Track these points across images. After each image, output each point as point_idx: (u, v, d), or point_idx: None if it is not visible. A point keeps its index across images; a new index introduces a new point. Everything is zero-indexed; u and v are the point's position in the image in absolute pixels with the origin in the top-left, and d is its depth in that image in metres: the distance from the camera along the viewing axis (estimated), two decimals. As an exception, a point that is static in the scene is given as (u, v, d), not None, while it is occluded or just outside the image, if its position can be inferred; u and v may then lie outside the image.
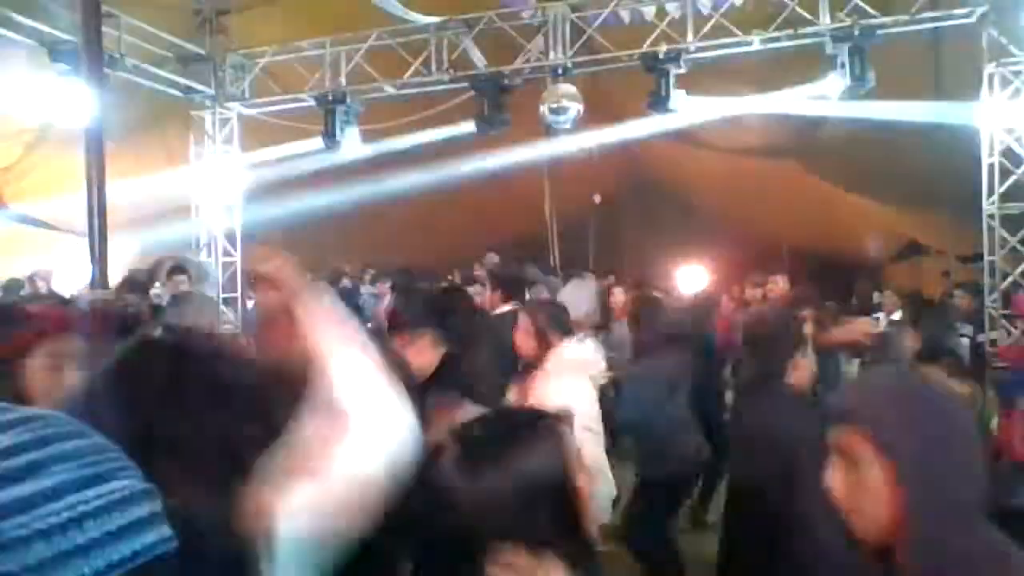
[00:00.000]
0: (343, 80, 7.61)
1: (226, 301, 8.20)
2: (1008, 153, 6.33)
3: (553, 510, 1.24)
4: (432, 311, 2.59)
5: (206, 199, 8.34)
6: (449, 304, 2.76)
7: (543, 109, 6.92)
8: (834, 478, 1.22)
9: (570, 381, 3.12)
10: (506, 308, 4.44)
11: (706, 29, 6.68)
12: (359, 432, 1.08)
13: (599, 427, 3.23)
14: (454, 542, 1.24)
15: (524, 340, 3.23)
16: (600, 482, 3.09)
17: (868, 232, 11.93)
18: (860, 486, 1.18)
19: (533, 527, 1.21)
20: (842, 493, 1.20)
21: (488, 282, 4.98)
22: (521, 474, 1.23)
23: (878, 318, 8.05)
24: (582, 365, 3.24)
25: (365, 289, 8.98)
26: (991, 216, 6.40)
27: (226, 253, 8.40)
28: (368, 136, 7.79)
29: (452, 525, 1.23)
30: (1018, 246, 6.36)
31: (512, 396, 3.08)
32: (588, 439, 3.07)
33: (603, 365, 3.41)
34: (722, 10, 6.67)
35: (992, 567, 1.13)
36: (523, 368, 3.27)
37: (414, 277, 7.90)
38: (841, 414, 1.24)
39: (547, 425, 1.34)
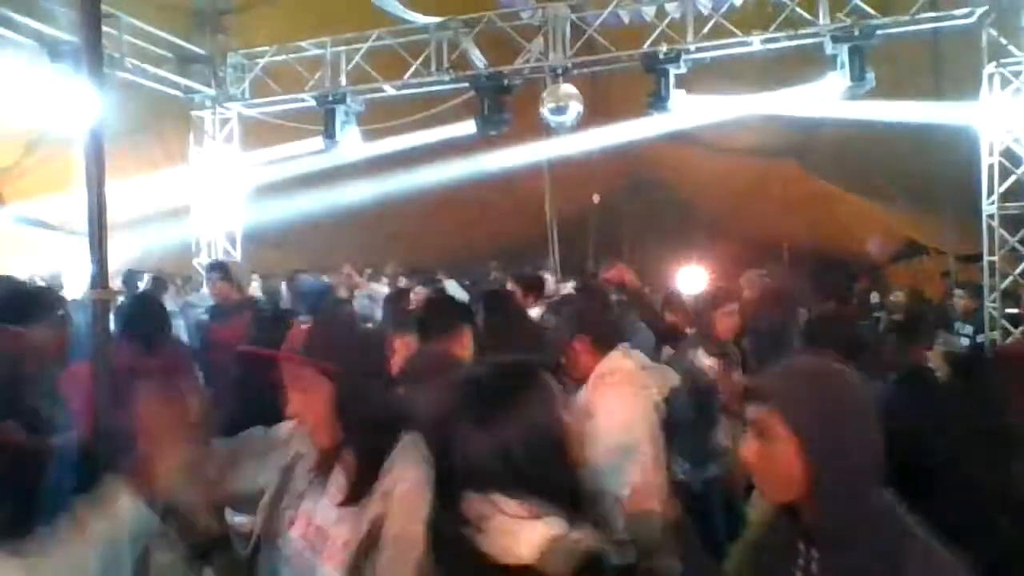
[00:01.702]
0: (343, 80, 7.61)
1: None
2: (1008, 153, 6.33)
3: (546, 460, 1.29)
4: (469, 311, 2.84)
5: (206, 199, 8.33)
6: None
7: (543, 109, 6.92)
8: (748, 449, 1.40)
9: (629, 393, 2.71)
10: (534, 310, 4.49)
11: (706, 29, 6.68)
12: None
13: (652, 448, 2.72)
14: (457, 486, 1.30)
15: (583, 357, 2.81)
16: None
17: (868, 232, 11.93)
18: (771, 457, 1.36)
19: (527, 477, 1.27)
20: (754, 462, 1.39)
21: (516, 285, 4.97)
22: (514, 423, 1.30)
23: (879, 318, 8.07)
24: (640, 377, 2.80)
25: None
26: (991, 216, 6.40)
27: (226, 253, 8.40)
28: (368, 136, 7.79)
29: (455, 470, 1.31)
30: (1018, 246, 6.36)
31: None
32: (643, 462, 2.65)
33: (672, 378, 2.93)
34: (722, 10, 6.67)
35: (883, 526, 1.33)
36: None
37: (421, 275, 7.90)
38: (759, 394, 1.40)
39: (534, 375, 1.39)
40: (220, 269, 5.46)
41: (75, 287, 7.35)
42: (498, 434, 1.29)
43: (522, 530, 1.24)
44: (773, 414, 1.36)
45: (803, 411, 1.35)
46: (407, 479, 1.53)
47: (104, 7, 4.21)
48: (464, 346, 2.70)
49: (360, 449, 1.59)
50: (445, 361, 2.59)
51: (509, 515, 1.24)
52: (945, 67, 7.12)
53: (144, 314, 3.76)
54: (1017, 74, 6.25)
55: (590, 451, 2.14)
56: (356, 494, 1.55)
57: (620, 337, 3.01)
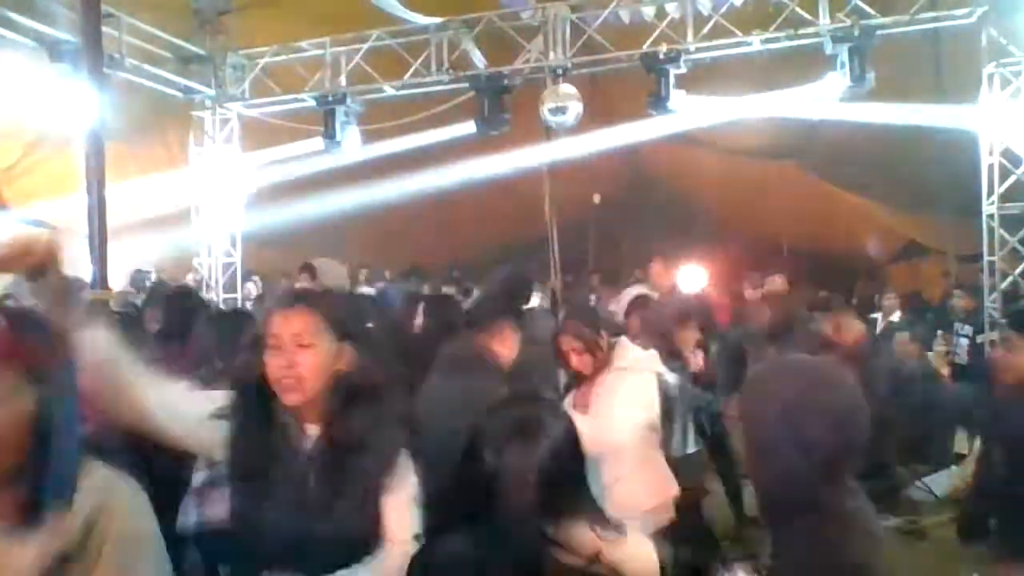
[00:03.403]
0: (343, 80, 7.61)
1: (226, 302, 8.21)
2: (1008, 153, 6.33)
3: (579, 481, 1.46)
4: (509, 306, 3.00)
5: (206, 199, 8.33)
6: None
7: (543, 109, 6.92)
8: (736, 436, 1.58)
9: (647, 377, 3.07)
10: None
11: (706, 29, 6.68)
12: None
13: (659, 426, 3.17)
14: (503, 522, 1.38)
15: (579, 358, 3.07)
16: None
17: (868, 232, 11.92)
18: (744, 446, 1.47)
19: (568, 501, 1.42)
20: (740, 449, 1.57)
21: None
22: (547, 452, 1.42)
23: (876, 319, 8.07)
24: (649, 360, 3.19)
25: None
26: (991, 216, 6.40)
27: (226, 254, 8.40)
28: (368, 136, 7.79)
29: (497, 505, 1.38)
30: (1018, 246, 6.36)
31: (572, 403, 3.00)
32: (652, 439, 3.09)
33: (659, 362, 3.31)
34: (722, 10, 6.67)
35: (844, 519, 1.37)
36: (573, 378, 3.17)
37: (421, 276, 7.91)
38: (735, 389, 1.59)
39: (555, 407, 1.54)
40: (307, 270, 5.33)
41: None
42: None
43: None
44: (740, 409, 1.49)
45: (752, 405, 1.46)
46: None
47: (104, 7, 4.22)
48: (504, 342, 2.86)
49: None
50: (481, 354, 2.74)
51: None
52: (945, 67, 7.13)
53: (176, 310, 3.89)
54: (1017, 74, 6.25)
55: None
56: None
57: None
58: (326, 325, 1.67)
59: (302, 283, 5.26)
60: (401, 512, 1.61)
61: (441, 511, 1.55)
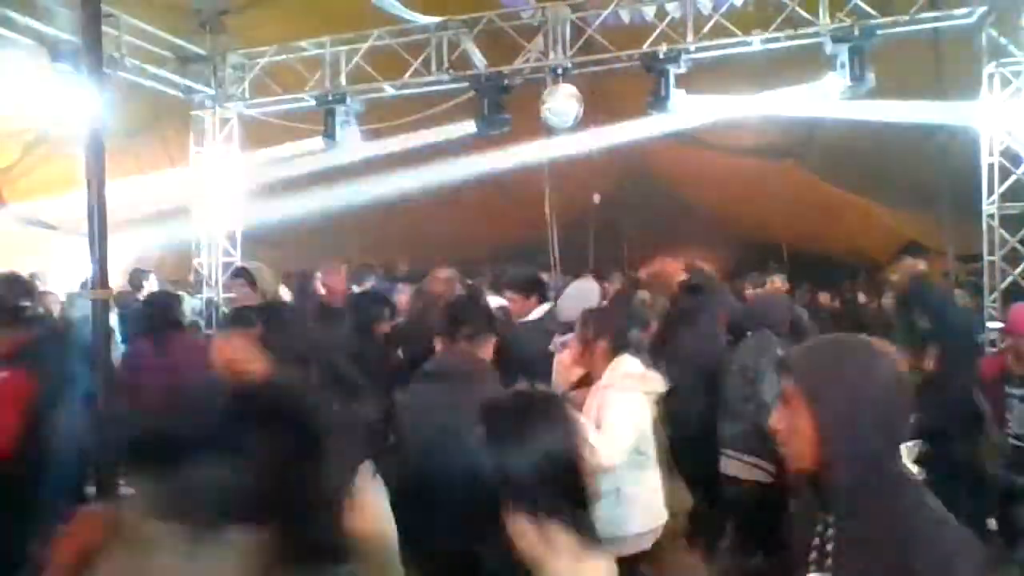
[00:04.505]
0: (343, 80, 7.61)
1: (225, 301, 8.20)
2: (1008, 153, 6.33)
3: (563, 482, 1.44)
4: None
5: (206, 199, 8.33)
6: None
7: (543, 109, 6.92)
8: (776, 416, 1.47)
9: (633, 397, 3.04)
10: (535, 314, 4.46)
11: (706, 29, 6.68)
12: None
13: (652, 450, 3.13)
14: (477, 507, 1.45)
15: (570, 351, 3.14)
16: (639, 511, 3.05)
17: (868, 232, 11.93)
18: (793, 424, 1.43)
19: (545, 496, 1.41)
20: (779, 428, 1.46)
21: (514, 289, 4.82)
22: (537, 449, 1.43)
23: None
24: (640, 380, 3.12)
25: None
26: (991, 216, 6.40)
27: (226, 253, 8.40)
28: (368, 136, 7.79)
29: (477, 494, 1.43)
30: (1018, 246, 6.36)
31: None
32: (639, 462, 3.07)
33: (660, 383, 3.21)
34: (722, 10, 6.67)
35: (892, 497, 1.37)
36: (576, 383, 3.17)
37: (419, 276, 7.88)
38: (785, 367, 1.48)
39: (558, 404, 1.55)
40: (243, 275, 5.19)
41: (71, 286, 7.38)
42: (513, 461, 1.42)
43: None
44: (794, 385, 1.43)
45: (817, 382, 1.40)
46: None
47: (104, 7, 4.22)
48: (488, 352, 2.88)
49: None
50: (471, 362, 2.72)
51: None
52: (945, 67, 7.12)
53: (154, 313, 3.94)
54: (1017, 74, 6.25)
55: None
56: None
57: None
58: (260, 348, 1.67)
59: (239, 289, 5.17)
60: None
61: (429, 512, 1.56)
